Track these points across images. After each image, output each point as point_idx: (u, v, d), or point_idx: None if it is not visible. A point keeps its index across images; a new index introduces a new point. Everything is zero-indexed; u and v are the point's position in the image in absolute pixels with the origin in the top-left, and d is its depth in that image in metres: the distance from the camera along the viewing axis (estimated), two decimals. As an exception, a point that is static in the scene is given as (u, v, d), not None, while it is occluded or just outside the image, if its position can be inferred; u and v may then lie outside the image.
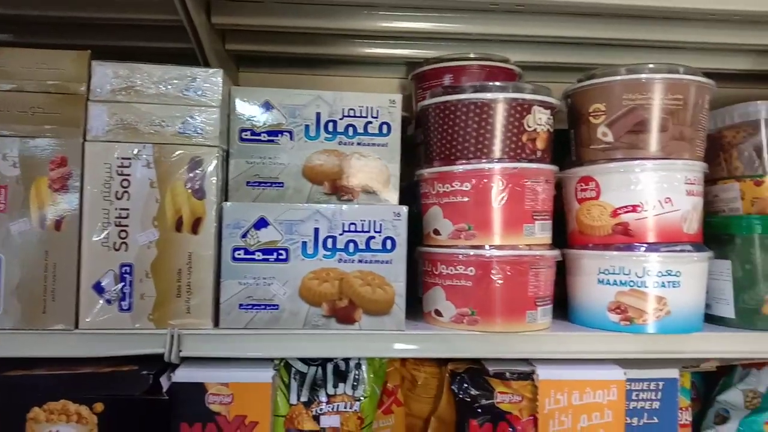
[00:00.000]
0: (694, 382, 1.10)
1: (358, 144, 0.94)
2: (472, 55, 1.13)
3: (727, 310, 0.96)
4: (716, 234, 0.96)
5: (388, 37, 1.19)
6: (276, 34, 1.16)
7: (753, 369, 1.02)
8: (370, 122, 0.95)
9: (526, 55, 1.20)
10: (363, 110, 0.95)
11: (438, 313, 0.92)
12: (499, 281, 0.88)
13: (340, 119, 0.94)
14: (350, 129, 0.94)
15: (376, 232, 0.88)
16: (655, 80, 0.89)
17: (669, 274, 0.89)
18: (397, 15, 1.11)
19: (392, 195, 0.94)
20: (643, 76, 0.89)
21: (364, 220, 0.88)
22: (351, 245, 0.88)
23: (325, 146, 0.94)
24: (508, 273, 0.88)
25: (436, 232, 0.93)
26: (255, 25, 1.08)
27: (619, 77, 0.90)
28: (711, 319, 0.99)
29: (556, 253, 0.92)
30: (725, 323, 0.97)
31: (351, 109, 0.94)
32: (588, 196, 0.94)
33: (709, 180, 1.02)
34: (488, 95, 0.89)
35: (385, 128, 0.95)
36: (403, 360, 1.00)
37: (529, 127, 0.90)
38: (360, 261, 0.88)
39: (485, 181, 0.88)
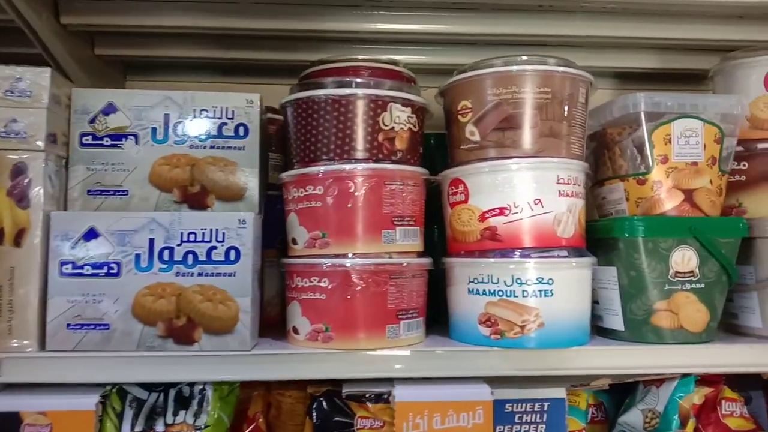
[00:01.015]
0: (602, 402, 1.02)
1: (212, 147, 0.87)
2: (360, 57, 1.07)
3: (617, 322, 0.88)
4: (601, 239, 0.88)
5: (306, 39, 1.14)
6: (162, 37, 1.10)
7: (653, 387, 0.93)
8: (225, 124, 0.88)
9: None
10: (217, 111, 0.88)
11: (295, 330, 0.84)
12: (354, 293, 0.80)
13: (191, 120, 0.87)
14: (203, 131, 0.88)
15: (218, 241, 0.81)
16: (519, 73, 0.82)
17: (540, 282, 0.81)
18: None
19: (250, 202, 0.87)
20: (505, 68, 0.82)
21: (205, 229, 0.81)
22: (190, 257, 0.80)
23: (175, 150, 0.87)
24: (364, 284, 0.80)
25: (294, 241, 0.85)
26: (123, 26, 1.01)
27: (482, 71, 0.84)
28: (603, 332, 0.91)
29: (422, 261, 0.85)
30: (616, 336, 0.88)
31: (203, 110, 0.88)
32: (458, 199, 0.87)
33: (598, 181, 0.96)
34: (337, 91, 0.82)
35: (242, 130, 0.88)
36: (268, 384, 0.92)
37: (386, 125, 0.83)
38: (200, 274, 0.80)
39: (338, 184, 0.81)
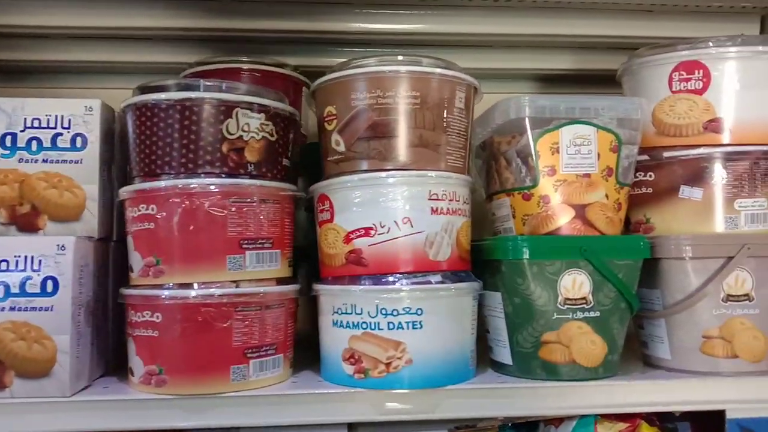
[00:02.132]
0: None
1: (45, 161, 0.76)
2: (244, 59, 0.97)
3: (505, 355, 0.78)
4: (487, 261, 0.78)
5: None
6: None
7: (552, 426, 0.83)
8: (60, 134, 0.77)
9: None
10: (51, 120, 0.77)
11: (131, 371, 0.73)
12: (189, 330, 0.69)
13: (21, 131, 0.76)
14: (34, 143, 0.76)
15: (33, 270, 0.69)
16: (382, 75, 0.72)
17: (408, 313, 0.70)
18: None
19: (88, 223, 0.76)
20: (366, 70, 0.72)
21: (19, 256, 0.70)
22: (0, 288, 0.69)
23: (1, 165, 0.76)
24: (201, 319, 0.69)
25: (131, 268, 0.75)
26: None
27: (342, 73, 0.74)
28: (495, 365, 0.81)
29: (280, 289, 0.74)
30: (505, 370, 0.78)
31: (36, 119, 0.77)
32: (325, 218, 0.77)
33: (488, 196, 0.86)
34: (171, 95, 0.71)
35: (79, 141, 0.77)
36: None
37: (231, 134, 0.72)
38: (12, 308, 0.69)
39: (173, 203, 0.70)
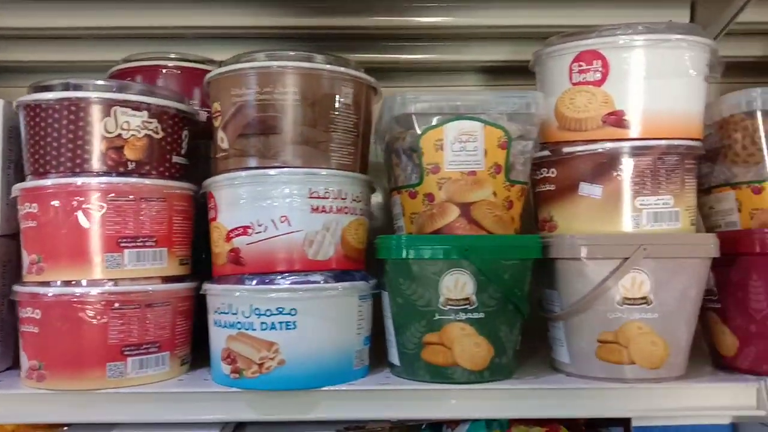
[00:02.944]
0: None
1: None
2: (171, 55, 0.96)
3: (394, 356, 0.75)
4: (377, 260, 0.76)
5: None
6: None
7: (450, 429, 0.81)
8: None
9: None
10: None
11: (21, 367, 0.75)
12: (65, 327, 0.70)
13: None
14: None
15: None
16: (260, 71, 0.71)
17: (281, 313, 0.69)
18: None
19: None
20: (240, 66, 0.71)
21: None
22: None
23: None
24: (75, 316, 0.69)
25: (22, 265, 0.76)
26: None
27: (223, 69, 0.73)
28: (390, 367, 0.78)
29: (161, 287, 0.74)
30: (395, 371, 0.76)
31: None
32: (211, 216, 0.76)
33: (389, 193, 0.83)
34: (41, 96, 0.72)
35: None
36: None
37: (109, 132, 0.72)
38: None
39: (50, 201, 0.71)
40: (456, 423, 0.79)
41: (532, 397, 0.72)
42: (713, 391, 0.72)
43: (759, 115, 0.74)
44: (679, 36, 0.72)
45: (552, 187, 0.79)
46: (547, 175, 0.79)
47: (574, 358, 0.75)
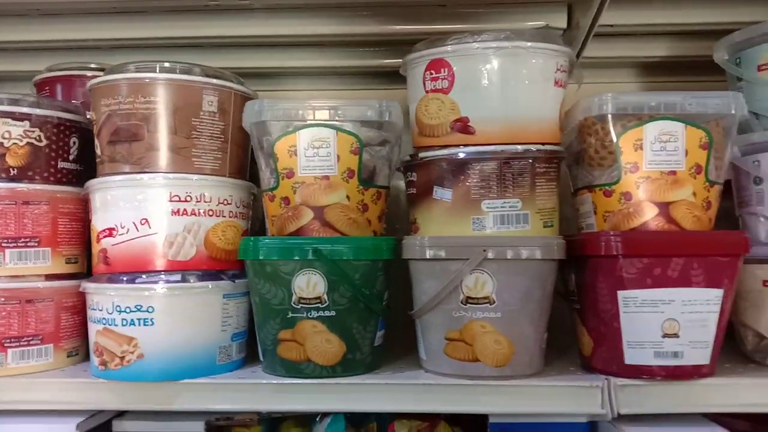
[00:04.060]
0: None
1: None
2: (92, 65, 1.02)
3: (259, 351, 0.80)
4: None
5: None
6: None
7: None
8: None
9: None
10: None
11: None
12: (-54, 320, 0.76)
13: None
14: None
15: None
16: (120, 82, 0.76)
17: (139, 310, 0.74)
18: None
19: None
20: (106, 78, 0.76)
21: None
22: None
23: None
24: (-43, 310, 0.76)
25: None
26: None
27: (94, 81, 0.78)
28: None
29: (42, 285, 0.79)
30: (262, 366, 0.80)
31: None
32: (89, 218, 0.81)
33: (266, 196, 0.87)
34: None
35: None
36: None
37: (-11, 141, 0.78)
38: None
39: (-64, 205, 0.78)
40: (326, 415, 0.84)
41: (385, 392, 0.75)
42: (560, 390, 0.74)
43: (610, 119, 0.75)
44: (525, 43, 0.74)
45: (414, 191, 0.81)
46: (411, 179, 0.82)
47: (428, 354, 0.78)
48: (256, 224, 0.92)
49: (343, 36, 0.96)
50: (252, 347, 0.84)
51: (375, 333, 0.78)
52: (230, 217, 0.80)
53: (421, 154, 0.79)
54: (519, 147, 0.75)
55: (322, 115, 0.76)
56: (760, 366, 0.80)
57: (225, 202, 0.80)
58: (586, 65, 1.04)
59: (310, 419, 0.86)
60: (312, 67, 1.05)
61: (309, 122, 0.76)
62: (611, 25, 0.87)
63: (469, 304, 0.74)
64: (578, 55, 0.87)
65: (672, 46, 0.99)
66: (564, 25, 0.88)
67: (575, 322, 0.81)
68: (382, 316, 0.79)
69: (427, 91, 0.78)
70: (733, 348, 0.85)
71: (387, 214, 0.85)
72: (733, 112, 0.75)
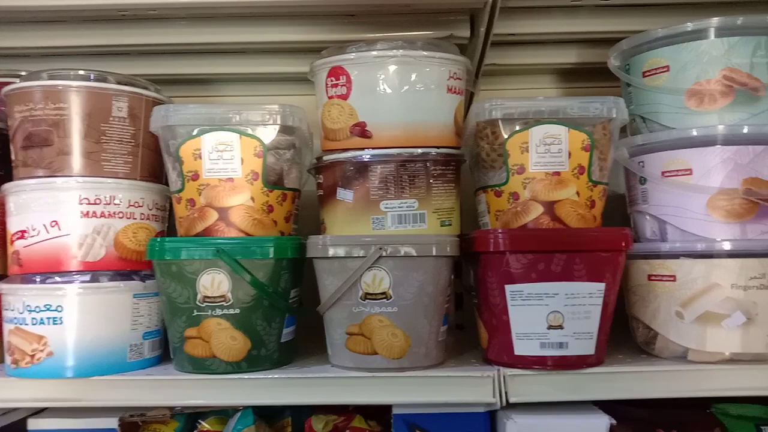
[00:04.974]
0: None
1: None
2: (22, 73, 1.03)
3: (171, 350, 0.83)
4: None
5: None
6: None
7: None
8: None
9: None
10: None
11: None
12: None
13: None
14: None
15: None
16: (31, 89, 0.79)
17: (48, 309, 0.77)
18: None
19: None
20: (18, 85, 0.79)
21: None
22: None
23: None
24: None
25: None
26: None
27: (8, 87, 0.81)
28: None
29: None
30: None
31: None
32: (5, 221, 0.84)
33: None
34: None
35: None
36: None
37: None
38: None
39: None
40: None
41: (289, 386, 0.78)
42: (454, 380, 0.77)
43: (500, 123, 0.79)
44: (416, 52, 0.78)
45: (322, 192, 0.85)
46: (319, 181, 0.85)
47: (332, 349, 0.81)
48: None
49: (265, 44, 1.00)
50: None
51: (281, 330, 0.81)
52: (142, 219, 0.83)
53: (325, 157, 0.82)
54: (414, 150, 0.79)
55: (226, 119, 0.79)
56: (650, 356, 0.85)
57: (136, 205, 0.83)
58: (506, 72, 1.10)
59: (231, 413, 0.90)
60: (239, 73, 1.08)
61: (213, 126, 0.79)
62: (512, 34, 0.92)
63: (367, 300, 0.77)
64: (480, 63, 0.92)
65: (581, 53, 1.04)
66: (467, 34, 0.92)
67: (475, 316, 0.85)
68: (289, 313, 0.82)
69: (329, 97, 0.81)
70: (631, 340, 0.90)
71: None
72: (614, 116, 0.80)
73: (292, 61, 1.05)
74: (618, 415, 0.79)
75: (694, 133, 0.79)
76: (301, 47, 1.00)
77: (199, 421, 0.89)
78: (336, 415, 0.91)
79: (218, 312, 0.78)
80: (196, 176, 0.79)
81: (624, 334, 0.90)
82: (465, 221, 0.89)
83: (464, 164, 0.88)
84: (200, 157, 0.79)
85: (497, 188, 0.80)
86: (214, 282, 0.77)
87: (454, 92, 0.81)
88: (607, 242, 0.77)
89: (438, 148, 0.80)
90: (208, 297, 0.78)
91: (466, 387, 0.77)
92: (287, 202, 0.83)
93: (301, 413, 0.90)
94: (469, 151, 0.87)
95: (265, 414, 0.89)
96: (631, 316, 0.86)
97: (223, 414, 0.90)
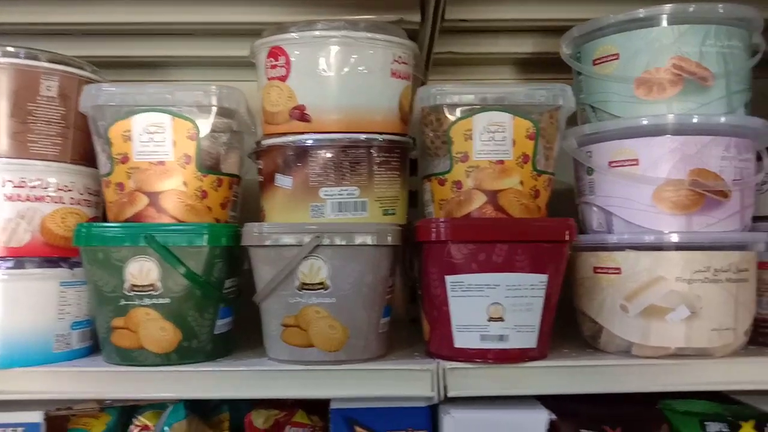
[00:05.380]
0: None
1: None
2: None
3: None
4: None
5: None
6: None
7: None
8: None
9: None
10: None
11: None
12: None
13: None
14: None
15: None
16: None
17: (-34, 297, 0.73)
18: None
19: None
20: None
21: None
22: None
23: None
24: None
25: None
26: None
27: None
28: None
29: None
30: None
31: None
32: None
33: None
34: None
35: None
36: None
37: None
38: None
39: None
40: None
41: (222, 380, 0.75)
42: (391, 373, 0.75)
43: (444, 109, 0.77)
44: (357, 33, 0.76)
45: (262, 179, 0.82)
46: (259, 166, 0.82)
47: (269, 341, 0.78)
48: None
49: (214, 24, 0.96)
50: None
51: (214, 321, 0.78)
52: (72, 203, 0.79)
53: (263, 142, 0.79)
54: (357, 136, 0.76)
55: (158, 99, 0.76)
56: (596, 351, 0.83)
57: (65, 189, 0.79)
58: (461, 62, 1.08)
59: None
60: (189, 56, 1.04)
61: (144, 107, 0.76)
62: (464, 20, 0.89)
63: (304, 290, 0.74)
64: (430, 49, 0.89)
65: (537, 43, 1.01)
66: (418, 19, 0.89)
67: (419, 308, 0.83)
68: (224, 304, 0.79)
69: (269, 79, 0.78)
70: (579, 334, 0.88)
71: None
72: (561, 103, 0.78)
73: (244, 45, 1.01)
74: (562, 411, 0.77)
75: (643, 122, 0.78)
76: (251, 29, 0.96)
77: (135, 415, 0.86)
78: (277, 410, 0.88)
79: (147, 301, 0.74)
80: (125, 159, 0.76)
81: (572, 328, 0.88)
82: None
83: (413, 151, 0.86)
84: (130, 139, 0.75)
85: (441, 176, 0.78)
86: (143, 270, 0.74)
87: (399, 77, 0.79)
88: (550, 233, 0.74)
89: (381, 134, 0.78)
90: (136, 286, 0.74)
91: (405, 381, 0.75)
92: (223, 187, 0.80)
93: (240, 408, 0.88)
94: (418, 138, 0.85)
95: (200, 409, 0.86)
96: (578, 309, 0.84)
97: (159, 408, 0.86)
